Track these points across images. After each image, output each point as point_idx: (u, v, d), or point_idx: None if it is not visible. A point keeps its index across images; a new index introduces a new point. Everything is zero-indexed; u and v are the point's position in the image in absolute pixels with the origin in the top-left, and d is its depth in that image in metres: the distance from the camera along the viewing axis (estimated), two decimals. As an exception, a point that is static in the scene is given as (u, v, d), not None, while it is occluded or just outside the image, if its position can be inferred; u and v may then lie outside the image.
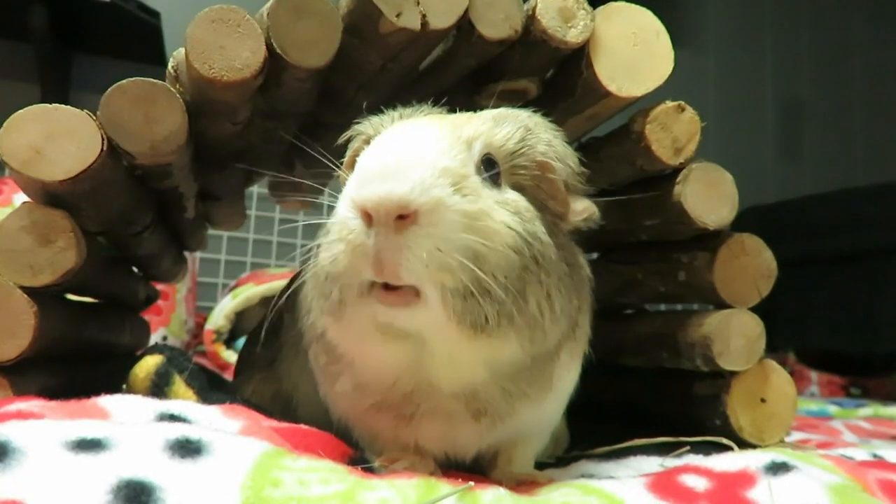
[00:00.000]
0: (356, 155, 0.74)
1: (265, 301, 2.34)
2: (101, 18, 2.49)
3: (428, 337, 0.65)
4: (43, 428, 0.56)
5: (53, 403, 0.68)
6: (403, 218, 0.59)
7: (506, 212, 0.66)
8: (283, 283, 1.61)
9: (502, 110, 0.74)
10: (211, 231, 1.56)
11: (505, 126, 0.71)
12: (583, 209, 0.74)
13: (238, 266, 2.96)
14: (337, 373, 0.75)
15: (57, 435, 0.55)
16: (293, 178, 1.14)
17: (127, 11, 2.40)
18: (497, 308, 0.63)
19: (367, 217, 0.60)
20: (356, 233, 0.61)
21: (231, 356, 2.29)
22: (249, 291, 2.41)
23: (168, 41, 2.54)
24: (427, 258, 0.59)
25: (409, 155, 0.62)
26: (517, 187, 0.71)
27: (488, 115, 0.73)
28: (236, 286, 2.52)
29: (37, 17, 2.34)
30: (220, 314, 2.39)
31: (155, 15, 2.48)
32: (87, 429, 0.56)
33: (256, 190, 2.76)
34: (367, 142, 0.74)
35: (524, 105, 0.78)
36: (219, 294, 2.80)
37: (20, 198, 2.00)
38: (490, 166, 0.69)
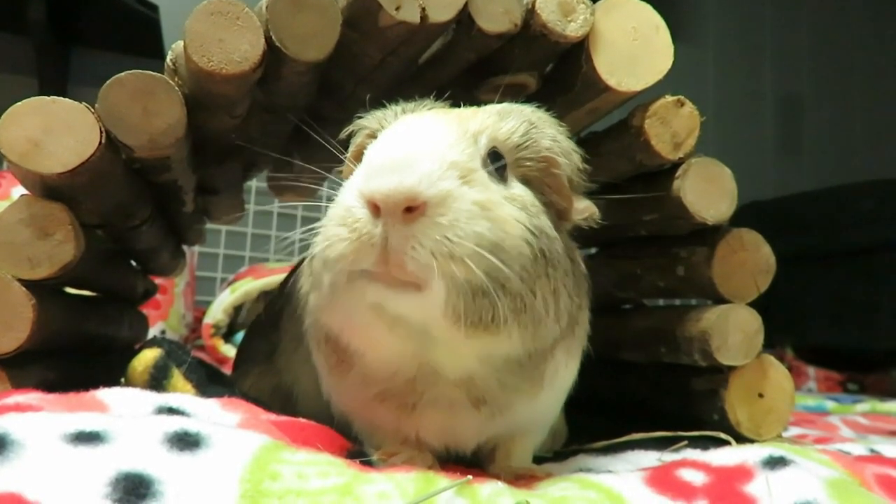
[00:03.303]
0: (360, 149, 0.74)
1: (264, 295, 2.34)
2: (100, 11, 2.49)
3: (428, 325, 0.64)
4: (41, 420, 0.56)
5: (52, 396, 0.68)
6: (411, 210, 0.59)
7: (513, 206, 0.66)
8: (281, 277, 1.61)
9: (506, 105, 0.75)
10: (209, 225, 1.55)
11: (509, 120, 0.72)
12: (584, 207, 0.74)
13: (236, 260, 2.96)
14: (347, 368, 0.74)
15: (55, 427, 0.55)
16: (293, 171, 1.14)
17: (125, 4, 2.39)
18: (508, 303, 0.62)
19: (375, 208, 0.60)
20: (363, 222, 0.61)
21: (229, 350, 2.29)
22: (248, 286, 2.41)
23: (166, 34, 2.53)
24: (435, 247, 0.59)
25: (418, 148, 0.62)
26: (523, 181, 0.71)
27: (492, 109, 0.73)
28: (235, 280, 2.52)
29: (35, 10, 2.33)
30: (219, 308, 2.39)
31: (153, 8, 2.47)
32: (86, 421, 0.56)
33: (255, 184, 2.75)
34: (371, 136, 0.74)
35: (524, 99, 0.78)
36: (217, 288, 2.80)
37: (18, 191, 2.00)
38: (496, 160, 0.69)
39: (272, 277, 2.38)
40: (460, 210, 0.61)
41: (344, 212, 0.63)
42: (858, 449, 0.98)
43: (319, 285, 0.68)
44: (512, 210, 0.65)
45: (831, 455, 0.76)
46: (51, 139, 0.75)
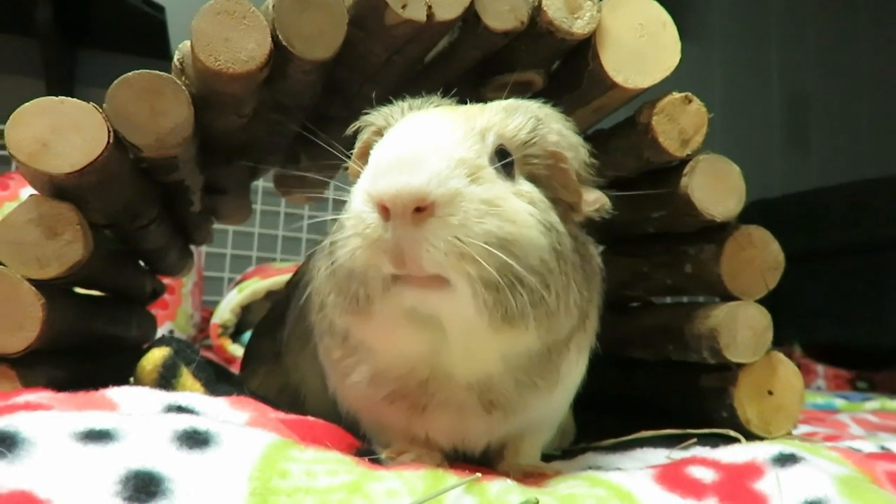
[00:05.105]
0: (366, 146, 0.74)
1: (271, 295, 2.34)
2: (106, 13, 2.50)
3: (449, 326, 0.64)
4: (51, 419, 0.56)
5: (62, 395, 0.68)
6: (421, 210, 0.59)
7: (522, 202, 0.66)
8: (288, 276, 1.61)
9: (512, 101, 0.74)
10: (216, 225, 1.56)
11: (516, 117, 0.71)
12: (594, 199, 0.74)
13: (244, 260, 2.97)
14: (352, 365, 0.74)
15: (65, 426, 0.55)
16: (299, 170, 1.14)
17: (131, 5, 2.40)
18: (526, 298, 0.62)
19: (384, 210, 0.60)
20: (373, 227, 0.61)
21: (237, 350, 2.30)
22: (255, 285, 2.42)
23: (172, 35, 2.54)
24: (445, 247, 0.59)
25: (425, 146, 0.62)
26: (530, 178, 0.71)
27: (499, 106, 0.73)
28: (242, 280, 2.52)
29: (42, 12, 2.34)
30: (226, 308, 2.40)
31: (159, 9, 2.48)
32: (96, 420, 0.56)
33: (262, 184, 2.76)
34: (378, 133, 0.74)
35: (530, 97, 0.77)
36: (224, 288, 2.81)
37: (26, 192, 2.01)
38: (503, 157, 0.68)
39: (279, 277, 2.38)
40: (469, 209, 0.61)
41: (355, 219, 0.63)
42: (869, 446, 0.97)
43: (347, 297, 0.66)
44: (521, 205, 0.65)
45: (842, 452, 0.75)
46: (59, 139, 0.76)
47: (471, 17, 0.85)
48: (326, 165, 1.09)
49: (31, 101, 0.77)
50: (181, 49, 0.85)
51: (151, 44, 2.49)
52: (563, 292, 0.67)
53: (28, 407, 0.63)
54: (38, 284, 0.77)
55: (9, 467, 0.49)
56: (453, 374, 0.69)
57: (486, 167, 0.65)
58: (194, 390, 0.87)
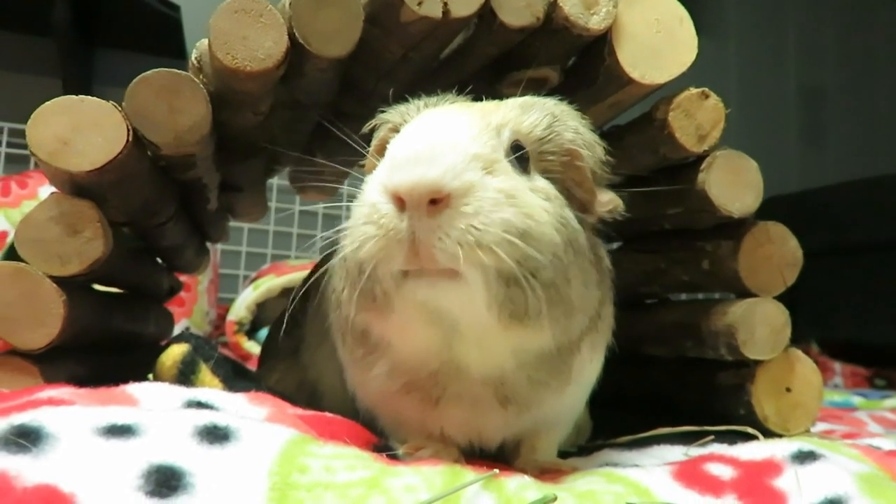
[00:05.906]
0: (383, 143, 0.74)
1: (286, 292, 2.36)
2: (122, 12, 2.52)
3: (461, 321, 0.64)
4: (74, 414, 0.57)
5: (83, 390, 0.69)
6: (436, 203, 0.59)
7: (537, 197, 0.66)
8: (303, 274, 1.62)
9: (528, 98, 0.74)
10: (232, 223, 1.56)
11: (532, 113, 0.71)
12: (608, 200, 0.74)
13: (259, 258, 2.99)
14: (373, 361, 0.74)
15: (88, 421, 0.56)
16: (314, 166, 1.15)
17: (147, 5, 2.42)
18: (541, 294, 0.62)
19: (400, 202, 0.60)
20: (389, 216, 0.61)
21: (253, 347, 2.31)
22: (270, 283, 2.43)
23: (188, 34, 2.56)
24: (460, 237, 0.59)
25: (441, 141, 0.62)
26: (545, 175, 0.71)
27: (515, 102, 0.73)
28: (257, 277, 2.54)
29: (59, 12, 2.36)
30: (242, 305, 2.42)
31: (175, 8, 2.50)
32: (117, 415, 0.57)
33: (277, 182, 2.77)
34: (394, 130, 0.74)
35: (546, 93, 0.77)
36: (240, 285, 2.82)
37: (44, 190, 2.03)
38: (519, 153, 0.68)
39: (294, 274, 2.40)
40: (485, 198, 0.61)
41: (370, 209, 0.63)
42: (888, 444, 0.96)
43: (362, 295, 0.66)
44: (537, 199, 0.65)
45: (861, 450, 0.75)
46: (79, 137, 0.77)
47: (487, 13, 0.85)
48: (342, 162, 1.09)
49: (52, 100, 0.77)
50: (198, 47, 0.86)
51: (167, 43, 2.51)
52: (582, 288, 0.67)
53: (51, 402, 0.63)
54: (59, 281, 0.78)
55: (33, 461, 0.50)
56: (467, 368, 0.69)
57: (502, 161, 0.65)
58: (213, 386, 0.87)
